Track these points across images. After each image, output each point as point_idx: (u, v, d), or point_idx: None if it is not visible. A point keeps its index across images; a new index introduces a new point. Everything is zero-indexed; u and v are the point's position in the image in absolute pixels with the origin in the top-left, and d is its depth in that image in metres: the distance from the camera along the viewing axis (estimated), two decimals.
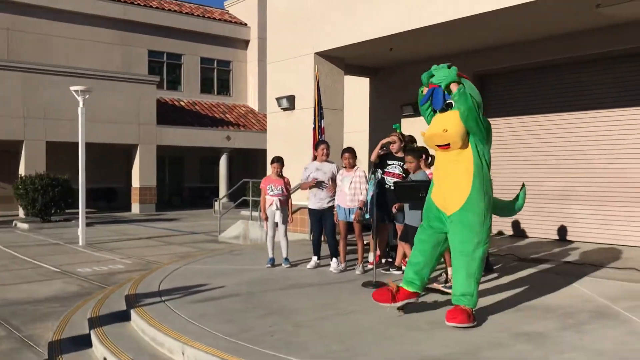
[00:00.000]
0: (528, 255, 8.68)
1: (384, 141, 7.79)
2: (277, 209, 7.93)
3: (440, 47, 10.84)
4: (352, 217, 7.40)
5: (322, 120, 10.47)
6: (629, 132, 9.60)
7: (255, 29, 28.53)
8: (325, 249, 7.94)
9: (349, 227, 7.64)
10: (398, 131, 7.96)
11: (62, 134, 19.99)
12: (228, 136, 25.03)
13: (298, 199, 9.84)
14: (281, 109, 11.80)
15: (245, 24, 28.99)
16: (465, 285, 4.94)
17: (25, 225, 16.81)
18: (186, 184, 27.72)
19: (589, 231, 10.07)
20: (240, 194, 18.14)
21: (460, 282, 4.96)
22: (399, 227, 7.18)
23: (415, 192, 6.06)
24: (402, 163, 7.44)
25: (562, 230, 10.46)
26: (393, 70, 12.92)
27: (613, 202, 9.78)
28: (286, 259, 8.00)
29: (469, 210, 4.93)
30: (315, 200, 7.81)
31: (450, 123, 4.97)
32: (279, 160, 8.06)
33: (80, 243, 12.85)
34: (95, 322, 5.69)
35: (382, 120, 12.74)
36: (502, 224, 11.09)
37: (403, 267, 7.42)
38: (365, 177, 7.47)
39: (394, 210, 7.26)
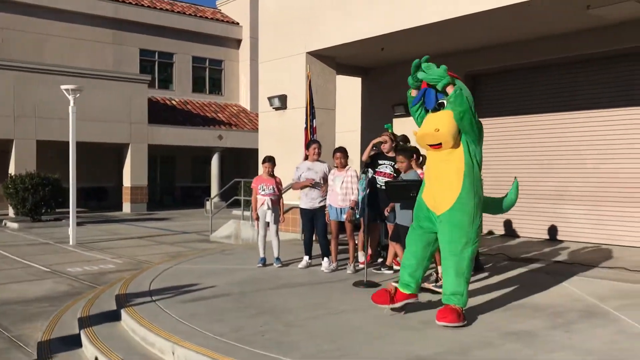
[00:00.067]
0: (518, 254, 8.72)
1: (375, 141, 7.81)
2: (268, 208, 7.93)
3: (432, 47, 10.81)
4: (344, 216, 7.41)
5: (314, 120, 10.47)
6: (621, 132, 9.65)
7: (248, 28, 28.49)
8: (316, 249, 7.95)
9: (341, 226, 7.64)
10: (389, 131, 7.98)
11: (52, 133, 19.89)
12: (220, 135, 24.99)
13: (289, 198, 9.84)
14: (273, 108, 11.79)
15: (237, 23, 28.94)
16: (454, 284, 4.96)
17: (15, 225, 16.70)
18: (178, 183, 27.65)
19: (580, 231, 10.12)
20: (232, 193, 18.12)
21: (450, 282, 4.98)
22: (390, 227, 7.20)
23: (407, 191, 6.08)
24: (393, 163, 7.46)
25: (553, 230, 10.51)
26: (384, 70, 12.93)
27: (605, 202, 9.83)
28: (277, 258, 8.00)
29: (459, 210, 4.95)
30: (306, 199, 7.81)
31: (442, 122, 4.98)
32: (270, 160, 8.05)
33: (71, 242, 12.78)
34: (85, 322, 5.66)
35: (373, 120, 12.75)
36: (493, 224, 11.13)
37: (394, 267, 7.45)
38: (357, 176, 7.48)
39: (386, 213, 7.26)
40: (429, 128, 5.04)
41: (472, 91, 5.56)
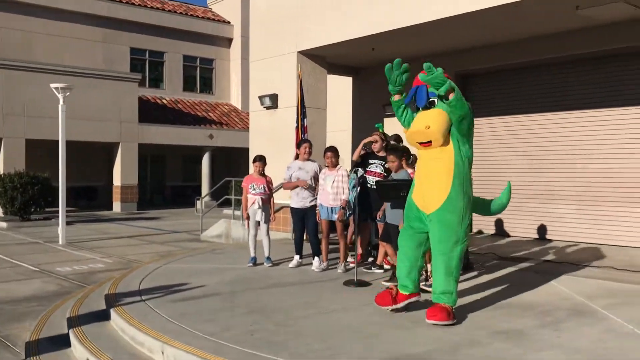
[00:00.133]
0: (508, 254, 8.76)
1: (365, 140, 7.82)
2: (259, 207, 7.92)
3: (422, 47, 10.88)
4: (335, 216, 7.41)
5: (305, 119, 10.46)
6: (611, 132, 9.71)
7: (239, 27, 28.43)
8: (307, 248, 7.95)
9: (331, 226, 7.64)
10: (380, 130, 8.00)
11: (42, 131, 19.76)
12: (210, 134, 24.93)
13: (280, 197, 9.84)
14: (264, 107, 11.78)
15: (229, 22, 28.87)
16: (444, 283, 4.99)
17: (3, 224, 16.57)
18: (168, 182, 27.56)
19: (569, 230, 10.18)
20: (223, 192, 18.08)
21: (440, 281, 5.01)
22: (380, 226, 7.21)
23: (397, 191, 6.09)
24: (383, 162, 7.48)
25: (543, 229, 10.57)
26: (375, 69, 12.90)
27: (594, 201, 9.90)
28: (268, 257, 7.99)
29: (448, 209, 4.98)
30: (297, 199, 7.81)
31: (433, 120, 5.00)
32: (261, 159, 8.05)
33: (60, 242, 12.71)
34: (74, 321, 5.63)
35: (364, 120, 12.76)
36: (483, 223, 11.17)
37: (385, 266, 7.47)
38: (348, 176, 7.49)
39: (378, 216, 7.23)
40: (419, 126, 5.06)
41: (463, 91, 5.58)
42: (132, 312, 5.45)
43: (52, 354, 5.12)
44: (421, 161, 5.25)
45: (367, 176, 7.59)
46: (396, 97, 5.42)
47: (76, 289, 7.87)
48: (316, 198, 7.69)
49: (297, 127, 10.39)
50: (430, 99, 5.12)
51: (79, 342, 5.02)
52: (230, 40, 28.85)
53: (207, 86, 28.52)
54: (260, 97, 11.74)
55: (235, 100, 28.76)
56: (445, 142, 5.01)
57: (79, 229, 15.70)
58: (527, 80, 10.92)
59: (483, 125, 11.20)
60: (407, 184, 5.72)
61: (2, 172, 18.32)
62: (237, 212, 13.11)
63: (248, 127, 15.89)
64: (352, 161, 8.11)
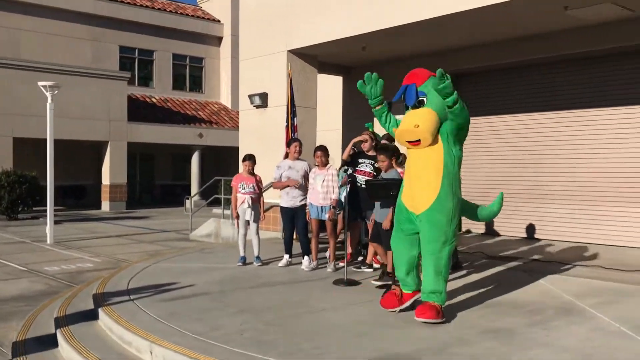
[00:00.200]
0: (497, 253, 8.80)
1: (355, 140, 7.82)
2: (248, 207, 7.89)
3: (412, 47, 10.90)
4: (325, 215, 7.40)
5: (295, 118, 10.43)
6: (600, 132, 9.77)
7: (229, 26, 28.34)
8: (297, 247, 7.93)
9: (321, 225, 7.64)
10: (370, 130, 8.00)
11: (30, 130, 19.60)
12: (200, 133, 24.85)
13: (270, 197, 9.81)
14: (254, 106, 11.75)
15: (219, 21, 28.79)
16: (433, 283, 5.01)
17: None
18: (157, 181, 27.43)
19: (558, 230, 10.24)
20: (212, 192, 18.02)
21: (429, 281, 5.03)
22: (370, 226, 7.21)
23: (387, 190, 6.09)
24: (373, 162, 7.49)
25: (531, 229, 10.61)
26: (366, 69, 12.83)
27: (583, 201, 9.95)
28: (257, 257, 7.97)
29: (437, 210, 5.00)
30: (287, 198, 7.80)
31: (421, 119, 5.01)
32: (250, 158, 8.03)
33: (48, 241, 12.62)
34: (62, 321, 5.59)
35: (355, 119, 12.75)
36: (472, 223, 11.20)
37: (374, 265, 7.47)
38: (338, 175, 7.50)
39: (371, 220, 7.16)
40: (408, 124, 5.06)
41: None
42: (121, 311, 5.41)
43: (39, 354, 5.08)
44: (410, 160, 5.27)
45: (356, 175, 7.59)
46: (377, 108, 5.55)
47: (64, 288, 7.81)
48: (306, 197, 7.68)
49: (287, 126, 10.36)
50: (420, 98, 5.13)
51: (67, 342, 4.98)
52: (220, 39, 28.77)
53: (196, 85, 28.42)
54: (250, 96, 11.71)
55: (225, 99, 28.68)
56: (434, 142, 5.03)
57: (67, 228, 15.59)
58: (516, 80, 10.97)
59: (472, 125, 11.05)
60: (397, 183, 5.72)
61: None
62: (227, 211, 13.08)
63: (238, 126, 15.84)
64: (342, 160, 8.11)
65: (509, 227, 10.90)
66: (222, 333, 4.68)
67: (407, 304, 5.32)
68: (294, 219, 7.80)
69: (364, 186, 7.33)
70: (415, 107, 5.16)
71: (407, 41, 10.36)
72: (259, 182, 8.05)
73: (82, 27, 24.18)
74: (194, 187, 24.48)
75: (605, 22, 9.01)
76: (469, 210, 5.61)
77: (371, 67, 12.81)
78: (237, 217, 7.99)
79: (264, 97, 11.49)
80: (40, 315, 6.31)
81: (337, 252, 7.68)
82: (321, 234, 7.76)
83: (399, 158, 6.85)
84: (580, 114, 10.05)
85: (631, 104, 9.41)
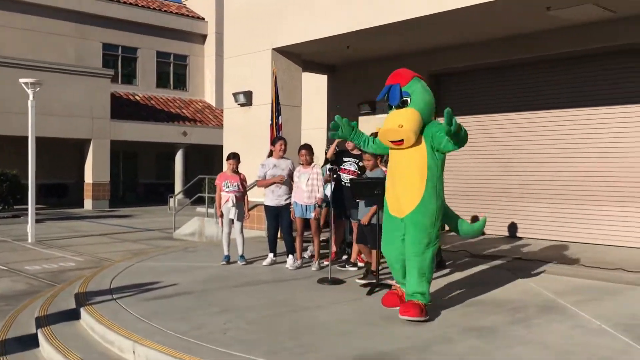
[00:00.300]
0: (480, 251, 8.85)
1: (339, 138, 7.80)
2: (232, 205, 7.87)
3: (396, 46, 10.93)
4: (310, 214, 7.39)
5: (280, 117, 10.42)
6: (583, 132, 9.85)
7: (213, 24, 28.23)
8: (281, 246, 7.92)
9: (306, 223, 7.63)
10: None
11: (11, 127, 19.35)
12: (184, 132, 24.72)
13: (255, 195, 9.79)
14: (238, 104, 11.70)
15: (203, 19, 28.65)
16: (417, 284, 5.05)
17: None
18: (141, 180, 27.25)
19: (540, 228, 10.32)
20: (196, 190, 17.94)
21: (413, 282, 5.07)
22: (355, 225, 7.22)
23: (371, 189, 6.11)
24: (357, 160, 7.50)
25: (514, 227, 10.69)
26: (350, 67, 12.96)
27: (565, 200, 10.04)
28: (242, 256, 7.95)
29: (421, 212, 5.03)
30: (272, 197, 7.79)
31: (405, 119, 5.02)
32: (235, 157, 8.00)
33: (30, 240, 12.48)
34: (43, 321, 5.53)
35: None
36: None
37: (359, 264, 7.48)
38: (323, 173, 7.50)
39: (364, 222, 7.15)
40: (392, 124, 5.07)
41: (435, 91, 5.62)
42: (103, 311, 5.37)
43: (19, 354, 5.02)
44: (393, 160, 5.29)
45: (341, 174, 7.60)
46: (354, 140, 5.84)
47: (45, 288, 7.73)
48: (291, 196, 7.67)
49: (271, 125, 10.34)
50: (404, 98, 5.14)
51: (48, 342, 4.93)
52: (204, 37, 28.64)
53: (180, 83, 28.27)
54: (235, 94, 11.66)
55: (210, 97, 28.57)
56: (418, 142, 5.05)
57: (49, 226, 15.44)
58: (500, 79, 11.04)
59: None
60: (381, 182, 5.74)
61: None
62: (211, 210, 13.02)
63: (222, 124, 15.79)
64: (325, 159, 8.11)
65: (493, 225, 10.95)
66: (205, 332, 4.67)
67: None
68: (279, 218, 7.79)
69: (348, 185, 7.34)
70: (399, 107, 5.17)
71: (391, 40, 10.39)
72: (243, 180, 8.03)
73: (65, 24, 23.94)
74: (178, 186, 24.35)
75: (589, 23, 9.09)
76: (451, 218, 5.62)
77: (355, 65, 12.89)
78: (221, 215, 7.97)
79: (248, 95, 11.46)
80: (21, 315, 6.24)
81: (321, 251, 7.69)
82: (306, 233, 7.75)
83: (383, 157, 6.87)
84: (564, 114, 10.14)
85: (614, 104, 9.51)
